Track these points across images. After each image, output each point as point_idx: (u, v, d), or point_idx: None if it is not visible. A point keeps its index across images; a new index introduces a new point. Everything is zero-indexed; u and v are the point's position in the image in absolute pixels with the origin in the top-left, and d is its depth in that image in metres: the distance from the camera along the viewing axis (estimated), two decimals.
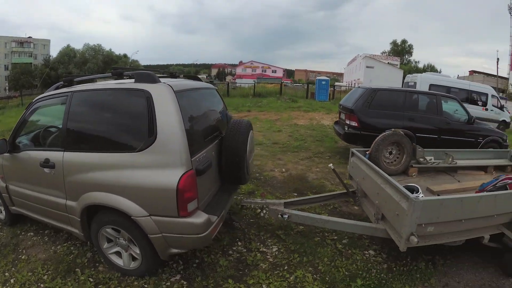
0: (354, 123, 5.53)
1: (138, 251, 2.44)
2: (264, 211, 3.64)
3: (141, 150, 2.20)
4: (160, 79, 2.41)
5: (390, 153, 3.95)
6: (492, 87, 25.52)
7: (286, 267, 2.73)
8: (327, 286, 2.55)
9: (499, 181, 3.51)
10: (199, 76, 4.09)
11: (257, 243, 3.05)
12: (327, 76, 24.67)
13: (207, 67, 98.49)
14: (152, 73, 2.43)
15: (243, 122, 2.96)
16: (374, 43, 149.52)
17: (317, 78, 21.53)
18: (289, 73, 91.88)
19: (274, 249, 2.97)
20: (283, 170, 5.28)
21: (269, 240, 3.11)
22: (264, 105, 15.05)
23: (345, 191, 3.60)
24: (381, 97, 5.73)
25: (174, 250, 2.35)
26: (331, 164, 3.44)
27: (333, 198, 3.72)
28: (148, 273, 2.52)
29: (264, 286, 2.52)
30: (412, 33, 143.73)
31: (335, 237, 3.29)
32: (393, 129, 3.99)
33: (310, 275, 2.64)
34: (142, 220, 2.21)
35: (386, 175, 2.94)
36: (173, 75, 3.28)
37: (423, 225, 2.40)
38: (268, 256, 2.86)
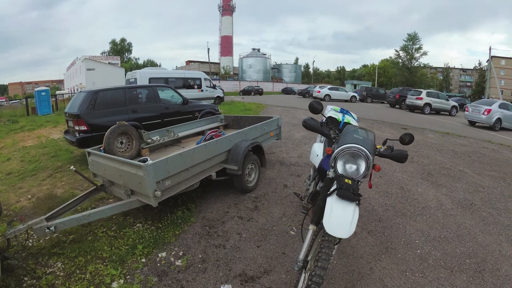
0: (83, 127, 5.59)
1: None
2: (30, 240, 3.34)
3: None
4: None
5: (121, 143, 4.48)
6: (207, 71, 31.90)
7: (77, 271, 2.80)
8: (118, 263, 2.89)
9: (207, 135, 4.98)
10: None
11: (42, 268, 2.87)
12: (46, 86, 21.73)
13: None
14: None
15: None
16: (93, 43, 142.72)
17: (36, 89, 18.61)
18: (1, 89, 73.28)
19: (59, 265, 2.92)
20: (29, 196, 4.72)
21: (50, 261, 2.98)
22: None
23: (95, 187, 3.82)
24: (103, 97, 6.06)
25: None
26: (72, 167, 3.51)
27: (87, 197, 3.82)
28: None
29: None
30: (130, 31, 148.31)
31: (104, 229, 3.56)
32: (117, 122, 4.52)
33: (100, 265, 2.86)
34: None
35: (120, 158, 3.46)
36: None
37: (160, 182, 3.12)
38: (57, 272, 2.80)
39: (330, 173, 2.15)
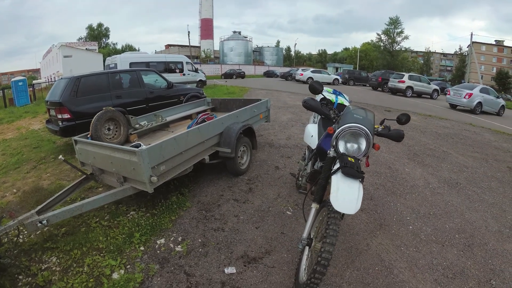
0: (66, 115, 5.36)
1: None
2: (21, 236, 3.19)
3: None
4: None
5: (109, 129, 4.34)
6: (187, 55, 31.28)
7: (74, 265, 2.70)
8: (116, 253, 2.81)
9: (199, 118, 4.91)
10: None
11: (36, 265, 2.75)
12: (22, 75, 20.75)
13: None
14: None
15: None
16: (70, 30, 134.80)
17: (12, 80, 17.74)
18: None
19: (54, 259, 2.81)
20: (15, 190, 4.52)
21: (44, 256, 2.86)
22: None
23: (84, 176, 3.69)
24: (86, 83, 5.79)
25: None
26: (61, 156, 3.36)
27: (77, 187, 3.68)
28: None
29: None
30: (107, 16, 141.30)
31: (97, 219, 3.47)
32: (104, 108, 4.35)
33: (98, 256, 2.78)
34: None
35: (111, 144, 3.34)
36: None
37: (155, 167, 3.03)
38: (53, 268, 2.70)
39: (331, 152, 2.18)
